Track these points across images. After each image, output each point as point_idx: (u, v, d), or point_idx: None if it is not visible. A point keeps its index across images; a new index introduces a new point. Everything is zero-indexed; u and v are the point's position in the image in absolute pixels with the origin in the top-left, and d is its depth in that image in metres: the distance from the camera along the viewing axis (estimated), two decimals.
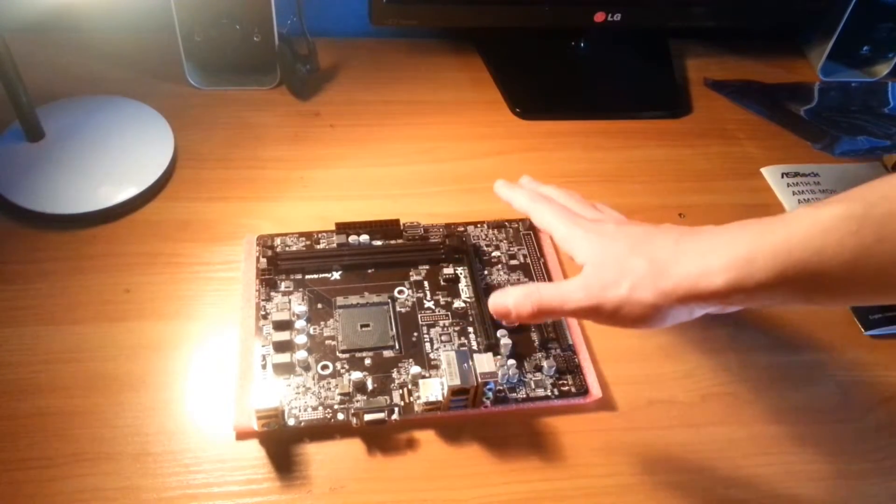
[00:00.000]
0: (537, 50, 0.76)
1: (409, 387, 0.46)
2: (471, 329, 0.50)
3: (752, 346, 0.52)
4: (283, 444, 0.44)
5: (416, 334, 0.49)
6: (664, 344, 0.52)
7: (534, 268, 0.55)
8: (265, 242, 0.53)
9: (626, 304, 0.36)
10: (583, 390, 0.47)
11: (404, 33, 0.77)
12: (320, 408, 0.45)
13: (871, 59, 0.77)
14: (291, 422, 0.44)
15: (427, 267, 0.53)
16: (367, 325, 0.49)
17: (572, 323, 0.51)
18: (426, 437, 0.45)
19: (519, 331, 0.50)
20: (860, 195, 0.32)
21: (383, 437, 0.45)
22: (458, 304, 0.51)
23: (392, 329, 0.49)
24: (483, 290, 0.52)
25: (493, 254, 0.55)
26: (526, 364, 0.48)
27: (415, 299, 0.51)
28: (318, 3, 0.71)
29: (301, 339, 0.47)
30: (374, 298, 0.51)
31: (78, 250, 0.53)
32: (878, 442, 0.47)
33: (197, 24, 0.64)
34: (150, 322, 0.49)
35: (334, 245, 0.54)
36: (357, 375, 0.46)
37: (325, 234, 0.55)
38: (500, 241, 0.56)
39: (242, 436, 0.44)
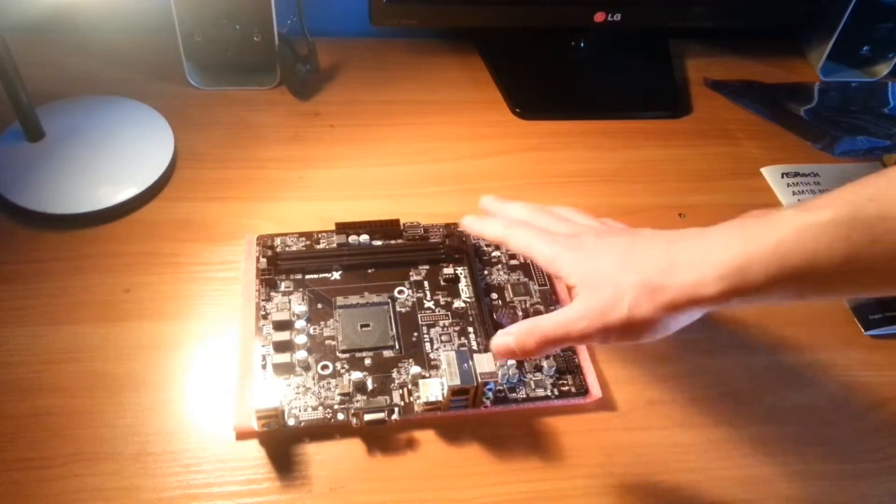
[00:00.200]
0: (537, 50, 0.76)
1: (409, 387, 0.46)
2: (471, 329, 0.50)
3: (752, 346, 0.52)
4: (283, 444, 0.44)
5: (416, 334, 0.49)
6: (664, 344, 0.51)
7: (533, 267, 0.55)
8: (265, 242, 0.53)
9: (628, 324, 0.36)
10: (583, 390, 0.47)
11: (404, 33, 0.77)
12: (320, 408, 0.45)
13: (871, 59, 0.77)
14: (291, 422, 0.44)
15: (427, 267, 0.53)
16: (367, 325, 0.49)
17: None
18: (426, 437, 0.45)
19: None
20: (847, 198, 0.32)
21: (383, 437, 0.45)
22: (458, 304, 0.51)
23: (392, 329, 0.49)
24: (483, 290, 0.52)
25: (493, 254, 0.55)
26: (526, 364, 0.48)
27: (415, 299, 0.51)
28: (318, 3, 0.71)
29: (301, 339, 0.47)
30: (374, 298, 0.51)
31: (78, 250, 0.53)
32: (878, 442, 0.47)
33: (197, 24, 0.64)
34: (150, 322, 0.49)
35: (334, 245, 0.54)
36: (357, 375, 0.46)
37: (325, 234, 0.55)
38: None
39: (242, 436, 0.44)
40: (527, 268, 0.55)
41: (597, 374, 0.48)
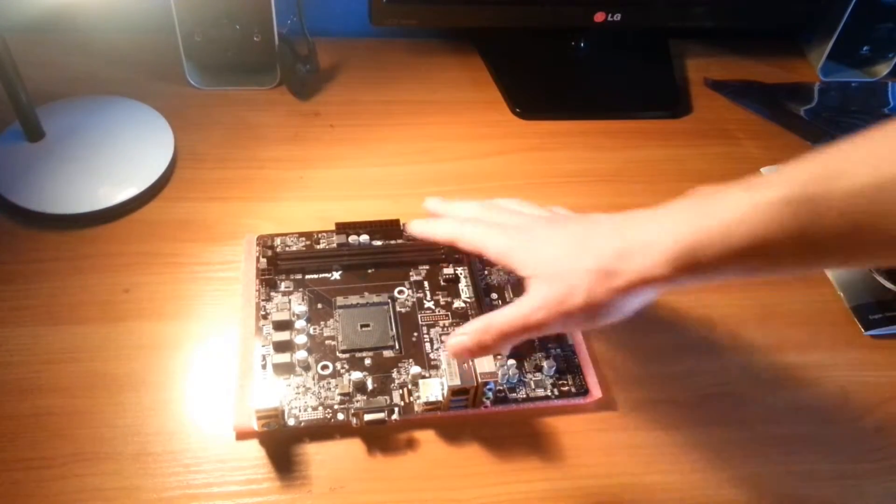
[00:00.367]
0: (537, 50, 0.76)
1: (409, 387, 0.46)
2: None
3: (752, 346, 0.52)
4: (283, 444, 0.44)
5: (416, 334, 0.49)
6: (664, 344, 0.52)
7: None
8: (265, 242, 0.53)
9: (587, 309, 0.37)
10: (583, 390, 0.47)
11: (404, 33, 0.77)
12: (320, 408, 0.45)
13: (871, 59, 0.77)
14: (291, 422, 0.44)
15: (427, 267, 0.53)
16: (367, 325, 0.49)
17: None
18: (426, 437, 0.45)
19: None
20: (795, 177, 0.32)
21: (383, 437, 0.45)
22: (458, 304, 0.51)
23: (392, 329, 0.49)
24: (483, 290, 0.52)
25: None
26: (526, 364, 0.48)
27: (415, 299, 0.51)
28: (318, 3, 0.71)
29: (301, 339, 0.47)
30: (374, 298, 0.51)
31: (78, 250, 0.53)
32: (878, 442, 0.47)
33: (197, 24, 0.64)
34: (150, 322, 0.49)
35: (334, 245, 0.54)
36: (357, 375, 0.46)
37: (325, 234, 0.55)
38: None
39: (242, 436, 0.44)
40: None
41: (597, 374, 0.48)
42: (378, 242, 0.54)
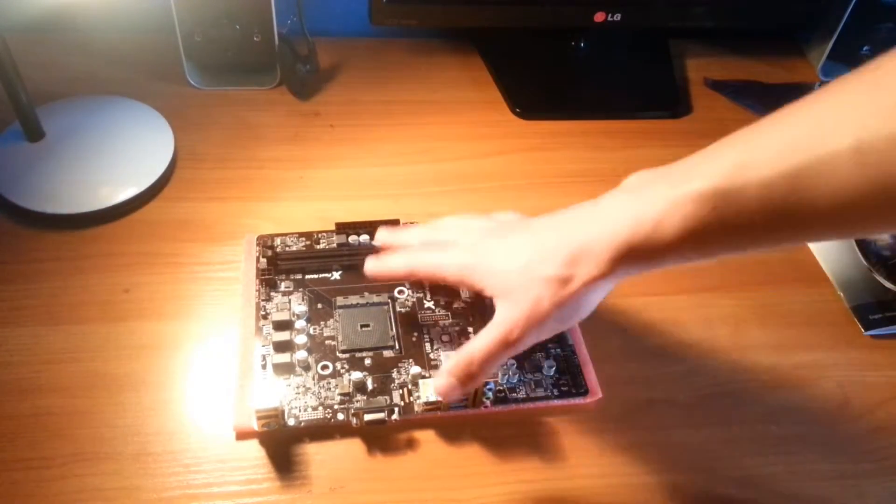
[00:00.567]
0: (537, 50, 0.76)
1: (409, 387, 0.46)
2: (471, 329, 0.50)
3: (752, 346, 0.52)
4: (283, 444, 0.44)
5: (416, 334, 0.49)
6: (664, 344, 0.52)
7: None
8: (265, 242, 0.53)
9: (555, 315, 0.38)
10: (583, 390, 0.47)
11: (404, 33, 0.77)
12: (320, 408, 0.45)
13: (871, 59, 0.77)
14: (291, 422, 0.44)
15: None
16: (367, 325, 0.49)
17: None
18: (426, 437, 0.45)
19: None
20: (710, 170, 0.34)
21: (383, 437, 0.45)
22: (457, 304, 0.51)
23: (392, 329, 0.49)
24: None
25: None
26: (526, 364, 0.48)
27: (415, 299, 0.51)
28: (318, 3, 0.71)
29: (301, 339, 0.47)
30: (374, 298, 0.51)
31: (78, 250, 0.53)
32: (878, 442, 0.47)
33: (197, 24, 0.64)
34: (150, 322, 0.49)
35: (334, 245, 0.54)
36: (357, 375, 0.46)
37: (325, 234, 0.55)
38: None
39: (242, 436, 0.44)
40: None
41: (597, 374, 0.48)
42: (378, 243, 0.54)
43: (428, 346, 0.49)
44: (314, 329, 0.49)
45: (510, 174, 0.63)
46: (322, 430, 0.44)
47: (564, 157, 0.66)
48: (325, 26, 0.72)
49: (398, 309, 0.51)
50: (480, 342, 0.40)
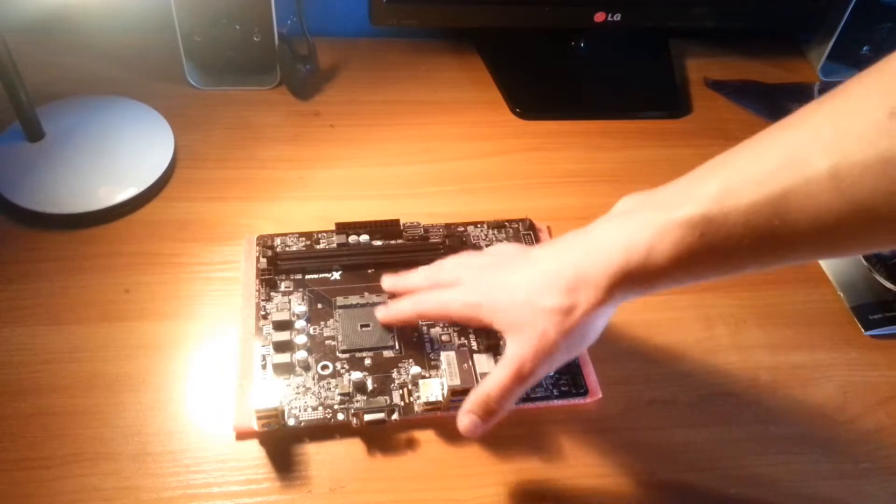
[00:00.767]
0: (537, 50, 0.76)
1: (409, 387, 0.46)
2: (471, 329, 0.50)
3: (752, 346, 0.52)
4: (283, 444, 0.44)
5: (416, 334, 0.49)
6: (664, 344, 0.52)
7: None
8: (265, 242, 0.53)
9: (563, 344, 0.39)
10: (583, 390, 0.47)
11: (404, 33, 0.77)
12: (320, 408, 0.45)
13: (871, 59, 0.76)
14: (291, 422, 0.44)
15: None
16: (367, 325, 0.49)
17: None
18: (426, 437, 0.45)
19: None
20: (696, 196, 0.34)
21: (383, 437, 0.45)
22: None
23: (392, 329, 0.49)
24: None
25: None
26: None
27: None
28: (318, 3, 0.71)
29: (301, 339, 0.47)
30: (375, 298, 0.51)
31: (78, 250, 0.53)
32: (878, 442, 0.47)
33: (197, 24, 0.64)
34: (150, 322, 0.49)
35: (334, 245, 0.54)
36: (357, 375, 0.46)
37: (325, 234, 0.55)
38: (500, 241, 0.56)
39: (242, 436, 0.44)
40: None
41: (597, 374, 0.48)
42: (378, 242, 0.54)
43: (428, 346, 0.49)
44: (314, 329, 0.49)
45: (510, 174, 0.63)
46: (322, 430, 0.44)
47: (564, 157, 0.66)
48: (325, 26, 0.72)
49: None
50: (495, 379, 0.40)
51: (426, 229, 0.56)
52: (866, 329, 0.53)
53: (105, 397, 0.45)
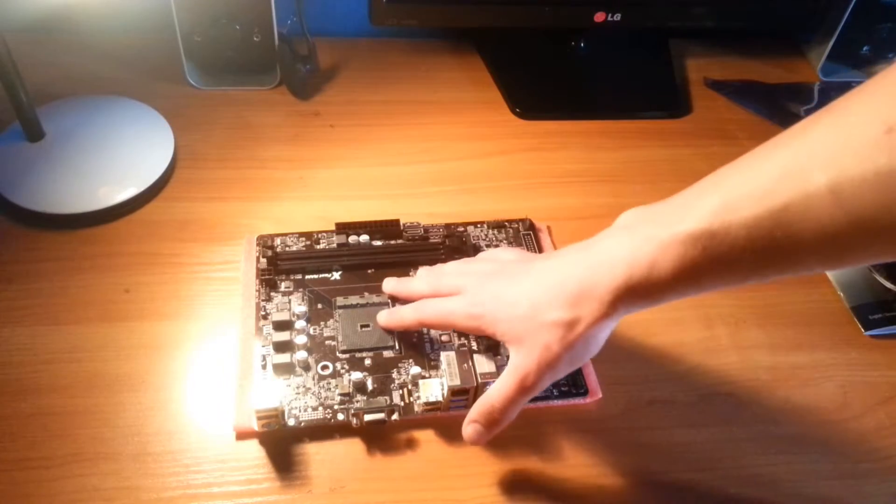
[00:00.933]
0: (537, 50, 0.76)
1: (409, 387, 0.46)
2: None
3: (752, 346, 0.52)
4: (283, 444, 0.44)
5: (416, 335, 0.49)
6: (664, 344, 0.52)
7: None
8: (265, 242, 0.53)
9: (566, 357, 0.40)
10: (583, 390, 0.47)
11: (404, 33, 0.77)
12: (320, 408, 0.45)
13: (871, 59, 0.77)
14: (291, 422, 0.44)
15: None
16: (367, 326, 0.49)
17: None
18: (426, 437, 0.45)
19: None
20: (698, 211, 0.35)
21: (383, 437, 0.45)
22: None
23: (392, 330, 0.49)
24: None
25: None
26: None
27: None
28: (318, 3, 0.71)
29: (301, 340, 0.47)
30: (374, 298, 0.51)
31: (78, 250, 0.53)
32: (878, 442, 0.47)
33: (197, 24, 0.64)
34: (150, 322, 0.49)
35: (334, 245, 0.54)
36: (357, 376, 0.46)
37: (325, 234, 0.55)
38: (500, 241, 0.56)
39: (242, 436, 0.44)
40: None
41: (597, 374, 0.48)
42: (378, 242, 0.54)
43: (428, 346, 0.49)
44: (314, 329, 0.49)
45: (510, 174, 0.63)
46: (322, 430, 0.44)
47: (564, 157, 0.66)
48: (325, 26, 0.72)
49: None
50: (499, 389, 0.41)
51: (426, 229, 0.56)
52: (866, 329, 0.54)
53: (105, 397, 0.45)
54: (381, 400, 0.45)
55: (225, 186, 0.59)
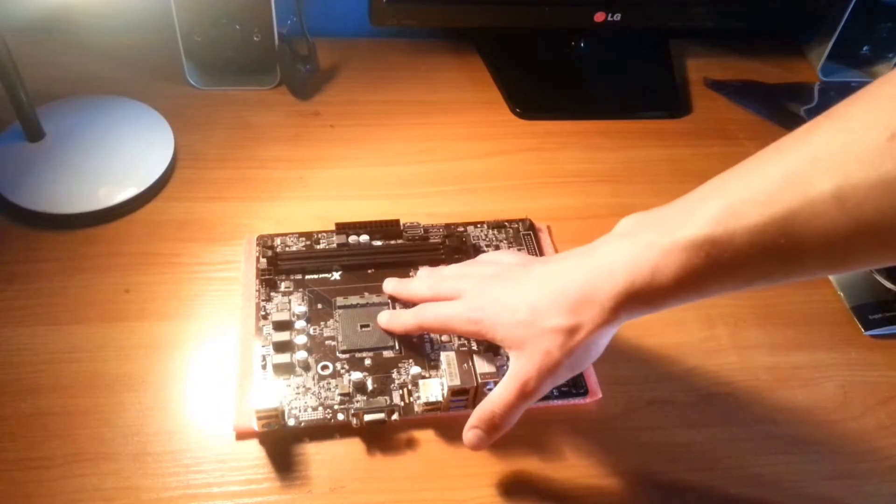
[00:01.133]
0: (537, 50, 0.76)
1: (409, 387, 0.46)
2: None
3: (752, 346, 0.52)
4: (283, 444, 0.44)
5: (416, 335, 0.49)
6: (664, 344, 0.52)
7: None
8: (265, 242, 0.53)
9: (566, 363, 0.40)
10: (583, 390, 0.47)
11: (404, 33, 0.77)
12: (320, 408, 0.45)
13: (871, 59, 0.77)
14: (291, 422, 0.44)
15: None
16: (367, 326, 0.49)
17: None
18: (426, 437, 0.45)
19: None
20: (699, 218, 0.35)
21: (383, 437, 0.45)
22: None
23: None
24: None
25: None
26: None
27: None
28: (318, 3, 0.71)
29: (301, 340, 0.47)
30: (374, 298, 0.51)
31: (78, 250, 0.53)
32: (878, 442, 0.47)
33: (197, 24, 0.64)
34: (150, 322, 0.49)
35: (334, 245, 0.54)
36: (357, 376, 0.46)
37: (325, 234, 0.55)
38: (500, 241, 0.56)
39: (242, 436, 0.44)
40: None
41: (597, 374, 0.48)
42: (378, 242, 0.54)
43: (428, 346, 0.49)
44: (314, 329, 0.49)
45: (510, 174, 0.63)
46: (322, 430, 0.44)
47: (564, 157, 0.66)
48: (325, 26, 0.72)
49: (398, 309, 0.50)
50: (499, 395, 0.41)
51: (426, 229, 0.56)
52: (866, 329, 0.53)
53: (105, 397, 0.45)
54: (381, 400, 0.45)
55: (225, 186, 0.59)
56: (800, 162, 0.33)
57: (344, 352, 0.48)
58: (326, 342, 0.48)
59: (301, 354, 0.47)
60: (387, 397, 0.46)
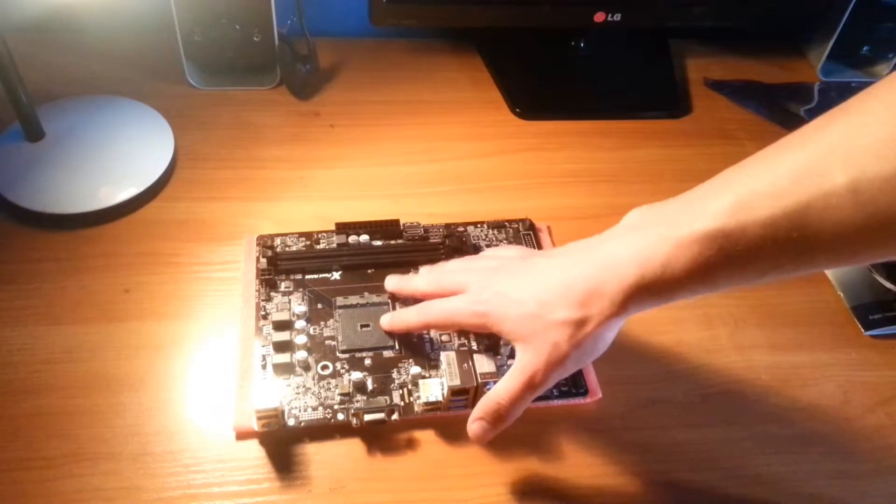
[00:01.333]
0: (537, 50, 0.76)
1: (409, 387, 0.46)
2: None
3: (752, 346, 0.52)
4: (283, 444, 0.44)
5: (416, 334, 0.49)
6: (664, 344, 0.52)
7: None
8: (265, 242, 0.53)
9: (574, 355, 0.40)
10: (583, 390, 0.47)
11: (404, 33, 0.77)
12: (320, 408, 0.45)
13: (871, 59, 0.77)
14: (291, 422, 0.44)
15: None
16: (367, 326, 0.49)
17: None
18: (426, 437, 0.45)
19: None
20: (711, 211, 0.35)
21: (383, 437, 0.45)
22: None
23: None
24: None
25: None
26: None
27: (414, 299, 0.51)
28: (318, 3, 0.71)
29: (301, 340, 0.47)
30: (374, 298, 0.51)
31: (78, 250, 0.53)
32: (878, 442, 0.47)
33: (197, 24, 0.64)
34: (150, 322, 0.49)
35: (334, 245, 0.54)
36: (357, 375, 0.46)
37: (325, 234, 0.55)
38: (500, 241, 0.56)
39: (242, 436, 0.44)
40: None
41: (597, 374, 0.48)
42: (378, 242, 0.54)
43: (428, 346, 0.49)
44: (314, 329, 0.49)
45: (510, 174, 0.63)
46: (322, 430, 0.44)
47: (564, 157, 0.66)
48: (325, 26, 0.72)
49: (398, 309, 0.50)
50: (506, 387, 0.41)
51: (426, 229, 0.56)
52: (866, 329, 0.53)
53: (105, 397, 0.45)
54: (381, 400, 0.45)
55: (225, 186, 0.59)
56: (814, 155, 0.33)
57: (344, 352, 0.48)
58: (326, 342, 0.48)
59: (301, 354, 0.47)
60: (387, 397, 0.46)
